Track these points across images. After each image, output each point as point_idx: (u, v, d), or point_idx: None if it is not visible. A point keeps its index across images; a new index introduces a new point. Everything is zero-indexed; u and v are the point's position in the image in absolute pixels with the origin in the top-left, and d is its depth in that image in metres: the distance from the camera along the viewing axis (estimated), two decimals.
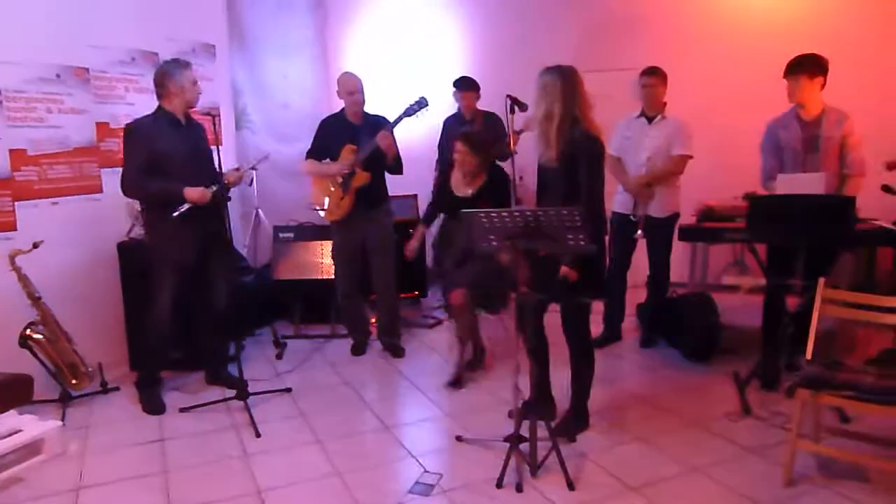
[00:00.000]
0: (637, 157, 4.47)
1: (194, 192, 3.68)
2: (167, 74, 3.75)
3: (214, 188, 3.75)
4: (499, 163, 4.36)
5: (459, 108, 5.43)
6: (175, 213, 3.65)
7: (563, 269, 3.07)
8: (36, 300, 3.78)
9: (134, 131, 3.74)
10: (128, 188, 3.78)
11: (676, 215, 4.50)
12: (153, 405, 3.86)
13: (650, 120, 4.46)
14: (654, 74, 4.42)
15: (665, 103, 4.45)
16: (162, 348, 4.00)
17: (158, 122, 3.76)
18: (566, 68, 3.15)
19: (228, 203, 3.83)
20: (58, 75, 4.14)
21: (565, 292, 3.16)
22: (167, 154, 3.71)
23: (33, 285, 3.77)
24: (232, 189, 3.94)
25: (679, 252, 4.68)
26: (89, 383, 3.95)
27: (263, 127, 6.22)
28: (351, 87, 4.40)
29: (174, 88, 3.74)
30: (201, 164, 3.88)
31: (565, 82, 3.11)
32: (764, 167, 4.07)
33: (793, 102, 3.91)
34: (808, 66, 3.79)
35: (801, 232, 3.56)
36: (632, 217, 4.46)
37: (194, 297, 4.00)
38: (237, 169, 4.03)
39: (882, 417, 3.02)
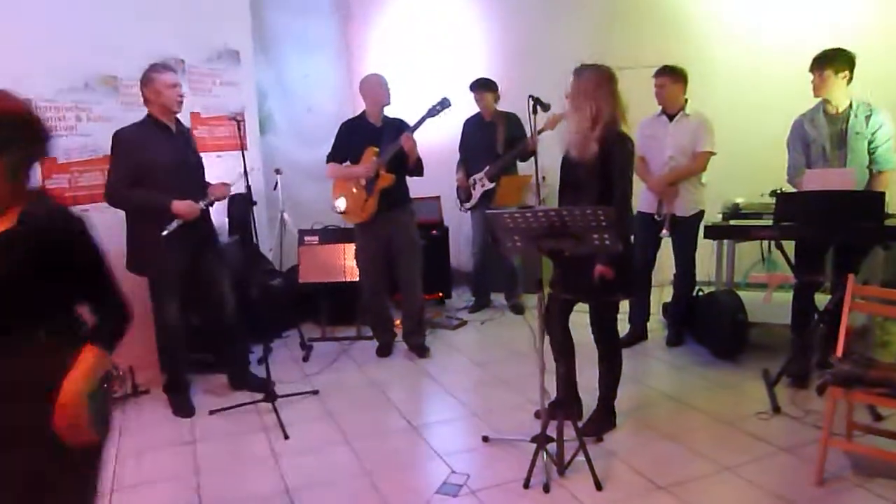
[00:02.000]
0: (660, 155, 4.44)
1: (182, 206, 3.62)
2: (143, 80, 3.71)
3: (203, 203, 3.72)
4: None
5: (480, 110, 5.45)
6: (164, 233, 3.57)
7: (599, 269, 3.06)
8: None
9: (120, 139, 3.67)
10: (112, 197, 3.70)
11: (701, 213, 4.46)
12: (183, 408, 3.90)
13: (671, 118, 4.43)
14: (663, 74, 4.39)
15: (686, 100, 4.42)
16: (180, 355, 3.98)
17: (146, 129, 3.71)
18: (605, 67, 3.14)
19: (254, 207, 3.85)
20: (86, 84, 4.21)
21: (594, 291, 3.14)
22: (154, 162, 3.63)
23: None
24: (254, 194, 3.89)
25: (705, 250, 4.64)
26: (120, 387, 4.01)
27: (288, 130, 6.28)
28: (381, 81, 4.46)
29: (150, 94, 3.69)
30: (189, 174, 3.82)
31: (605, 81, 3.10)
32: (791, 163, 4.02)
33: (818, 97, 3.86)
34: (833, 61, 3.74)
35: (831, 228, 3.53)
36: (656, 216, 4.44)
37: (201, 301, 3.98)
38: (225, 183, 3.91)
39: None
